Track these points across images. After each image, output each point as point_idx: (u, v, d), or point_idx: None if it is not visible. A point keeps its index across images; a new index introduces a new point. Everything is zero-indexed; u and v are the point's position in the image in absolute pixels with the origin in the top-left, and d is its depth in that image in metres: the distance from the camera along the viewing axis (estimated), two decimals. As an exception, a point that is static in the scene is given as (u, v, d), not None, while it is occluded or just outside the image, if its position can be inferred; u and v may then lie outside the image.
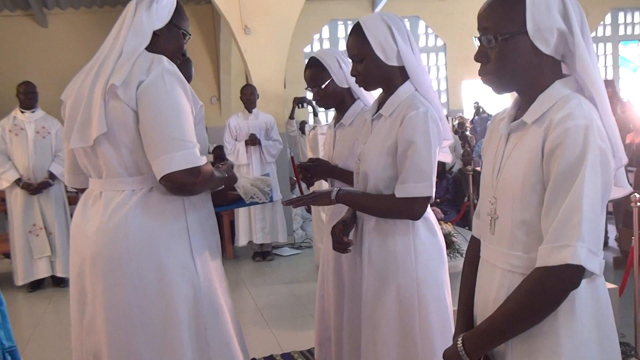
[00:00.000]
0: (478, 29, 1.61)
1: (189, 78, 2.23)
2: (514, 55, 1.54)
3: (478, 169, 9.39)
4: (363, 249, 2.34)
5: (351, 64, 2.37)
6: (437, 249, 2.31)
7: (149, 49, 2.14)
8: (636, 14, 15.06)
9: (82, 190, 2.29)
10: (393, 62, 2.24)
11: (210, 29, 11.33)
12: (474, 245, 1.79)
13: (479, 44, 1.62)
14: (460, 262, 5.85)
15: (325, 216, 3.11)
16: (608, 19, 14.90)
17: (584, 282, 1.43)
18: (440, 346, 2.21)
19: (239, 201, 2.44)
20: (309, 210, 7.64)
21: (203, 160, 2.06)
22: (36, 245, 6.20)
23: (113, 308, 2.08)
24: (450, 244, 4.54)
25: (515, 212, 1.53)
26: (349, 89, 2.92)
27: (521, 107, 1.63)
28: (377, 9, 12.22)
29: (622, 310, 3.78)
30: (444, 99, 14.07)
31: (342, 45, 12.48)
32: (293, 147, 9.46)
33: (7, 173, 6.08)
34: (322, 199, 2.36)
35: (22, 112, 6.24)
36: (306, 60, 2.98)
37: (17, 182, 6.11)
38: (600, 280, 1.52)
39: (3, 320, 3.60)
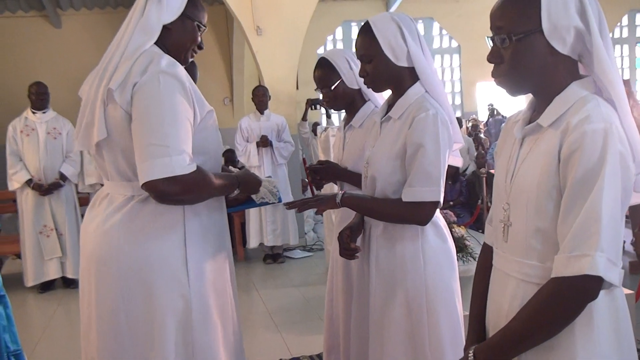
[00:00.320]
0: (491, 28, 1.55)
1: (193, 80, 2.15)
2: (529, 56, 1.48)
3: (492, 171, 9.30)
4: (371, 255, 2.27)
5: (360, 65, 2.31)
6: (447, 255, 2.24)
7: (161, 44, 2.07)
8: (654, 15, 14.90)
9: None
10: (403, 63, 2.18)
11: (224, 30, 11.31)
12: (486, 252, 1.72)
13: (492, 44, 1.56)
14: (473, 266, 5.76)
15: (336, 218, 3.06)
16: (625, 20, 14.74)
17: (601, 292, 1.37)
18: (451, 355, 2.15)
19: (249, 202, 2.37)
20: (318, 213, 7.59)
21: (188, 169, 1.88)
22: (47, 246, 6.18)
23: (102, 312, 2.02)
24: (463, 248, 4.46)
25: (530, 219, 1.46)
26: (359, 90, 2.86)
27: (536, 110, 1.56)
28: (391, 10, 12.16)
29: (638, 315, 3.69)
30: (458, 100, 13.97)
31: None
32: (305, 148, 9.41)
33: (18, 174, 6.07)
34: (327, 202, 2.29)
35: (33, 112, 6.22)
36: (319, 62, 2.93)
37: (28, 182, 6.09)
38: (619, 290, 1.45)
39: (9, 323, 3.57)
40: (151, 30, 2.03)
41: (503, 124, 10.69)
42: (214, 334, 2.05)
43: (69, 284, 6.37)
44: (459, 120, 10.93)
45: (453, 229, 4.00)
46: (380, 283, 2.22)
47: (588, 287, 1.33)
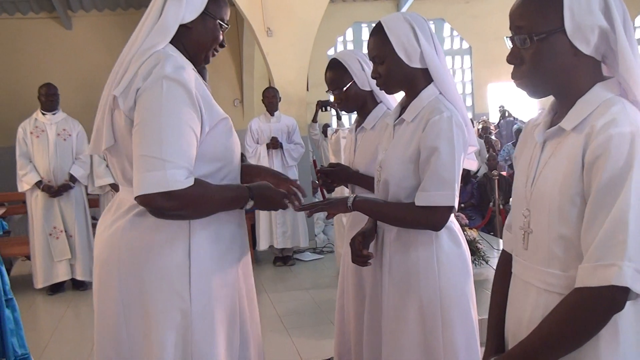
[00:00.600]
0: (510, 28, 1.49)
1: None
2: (550, 56, 1.42)
3: (503, 173, 9.26)
4: (384, 261, 2.22)
5: (372, 66, 2.26)
6: (461, 260, 2.19)
7: (179, 43, 1.98)
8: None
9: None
10: (416, 64, 2.12)
11: (234, 32, 11.27)
12: (505, 260, 1.67)
13: (510, 44, 1.50)
14: (485, 270, 5.73)
15: (347, 221, 3.02)
16: (638, 21, 14.62)
17: (627, 303, 1.31)
18: (466, 363, 2.10)
19: None
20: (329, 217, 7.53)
21: (184, 184, 1.74)
22: (56, 248, 6.16)
23: (103, 317, 1.96)
24: (475, 251, 4.41)
25: (552, 226, 1.40)
26: (371, 92, 2.82)
27: (558, 113, 1.50)
28: (402, 11, 12.10)
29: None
30: (469, 102, 13.88)
31: (366, 48, 12.36)
32: (316, 150, 9.37)
33: (28, 175, 6.06)
34: (338, 206, 2.21)
35: (43, 114, 6.21)
36: (330, 63, 2.87)
37: (38, 184, 6.07)
38: None
39: (16, 327, 3.56)
40: (166, 30, 1.93)
41: (515, 126, 10.69)
42: (217, 351, 1.92)
43: (79, 286, 6.36)
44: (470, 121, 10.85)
45: (465, 232, 3.95)
46: (394, 290, 2.17)
47: (614, 298, 1.27)
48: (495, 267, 5.18)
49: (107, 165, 6.25)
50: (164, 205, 1.76)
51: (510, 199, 5.09)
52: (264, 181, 2.08)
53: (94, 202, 6.83)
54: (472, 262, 3.67)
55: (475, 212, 8.50)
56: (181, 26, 1.96)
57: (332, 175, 2.81)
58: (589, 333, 1.32)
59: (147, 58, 1.87)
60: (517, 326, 1.51)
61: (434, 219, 2.07)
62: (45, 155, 6.12)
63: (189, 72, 1.87)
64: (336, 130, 5.93)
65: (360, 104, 2.83)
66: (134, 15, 10.88)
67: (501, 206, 7.95)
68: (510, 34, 1.49)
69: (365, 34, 12.98)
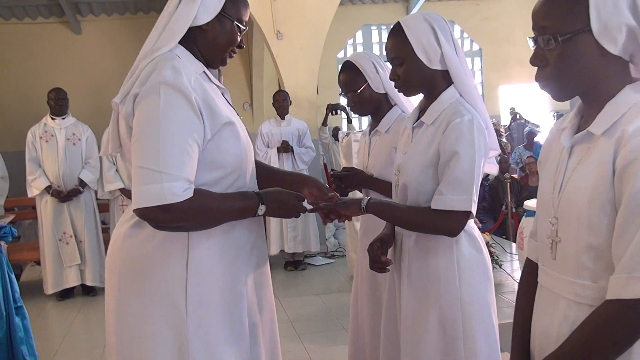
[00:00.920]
0: (533, 28, 1.43)
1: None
2: (576, 57, 1.36)
3: (515, 176, 9.18)
4: (402, 267, 2.15)
5: (389, 68, 2.20)
6: (482, 266, 2.12)
7: (193, 45, 1.92)
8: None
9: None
10: (436, 66, 2.06)
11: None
12: (530, 269, 1.60)
13: (534, 45, 1.44)
14: (498, 274, 5.66)
15: (359, 226, 2.97)
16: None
17: None
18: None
19: None
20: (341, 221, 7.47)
21: (182, 196, 1.68)
22: (66, 253, 6.13)
23: (107, 324, 1.93)
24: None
25: (581, 235, 1.34)
26: (385, 95, 2.76)
27: (585, 116, 1.44)
28: (412, 13, 12.01)
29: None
30: (479, 104, 13.80)
31: (376, 51, 12.32)
32: (326, 154, 9.33)
33: (37, 180, 6.04)
34: (352, 207, 2.14)
35: (52, 118, 6.20)
36: (339, 66, 2.83)
37: (47, 189, 6.05)
38: None
39: (26, 336, 3.52)
40: (173, 32, 1.88)
41: (526, 128, 10.59)
42: None
43: (88, 291, 6.32)
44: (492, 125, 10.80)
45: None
46: (413, 298, 2.10)
47: None
48: (508, 271, 5.14)
49: (116, 170, 6.23)
50: (162, 219, 1.72)
51: (525, 202, 5.03)
52: (277, 187, 2.01)
53: (104, 207, 6.80)
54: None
55: (487, 215, 8.44)
56: (196, 28, 1.91)
57: (346, 179, 2.76)
58: (620, 347, 1.26)
59: (149, 62, 1.82)
60: (545, 339, 1.45)
61: (449, 224, 2.00)
62: (54, 160, 6.10)
63: (190, 76, 1.80)
64: (347, 134, 5.88)
65: (375, 106, 2.78)
66: (143, 19, 10.88)
67: (513, 209, 7.88)
68: (533, 34, 1.44)
69: (375, 37, 12.95)
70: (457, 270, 2.05)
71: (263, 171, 2.17)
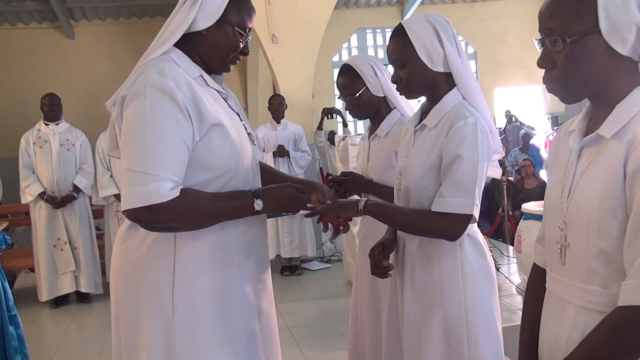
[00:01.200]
0: (540, 30, 1.40)
1: None
2: (585, 59, 1.33)
3: (511, 179, 9.16)
4: (405, 272, 2.11)
5: (388, 71, 2.16)
6: (486, 272, 2.08)
7: (193, 51, 1.92)
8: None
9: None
10: (439, 68, 2.02)
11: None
12: (537, 274, 1.57)
13: (540, 47, 1.41)
14: (496, 277, 5.62)
15: (357, 230, 2.94)
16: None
17: None
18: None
19: None
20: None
21: (167, 196, 1.69)
22: (61, 259, 6.07)
23: (111, 321, 1.96)
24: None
25: (591, 240, 1.31)
26: (384, 98, 2.73)
27: (594, 118, 1.41)
28: (407, 17, 12.02)
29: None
30: (474, 107, 13.80)
31: (371, 54, 12.30)
32: (322, 158, 9.29)
33: (31, 187, 5.98)
34: (349, 209, 2.08)
35: (46, 124, 6.14)
36: (334, 70, 2.79)
37: (41, 195, 5.99)
38: None
39: (20, 345, 3.47)
40: (166, 37, 1.88)
41: (521, 131, 10.57)
42: None
43: (83, 298, 6.25)
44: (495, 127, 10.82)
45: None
46: (416, 303, 2.06)
47: None
48: (505, 275, 5.11)
49: (111, 176, 6.18)
50: (149, 219, 1.73)
51: (523, 206, 5.02)
52: (270, 186, 1.99)
53: (98, 213, 6.75)
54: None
55: (483, 218, 8.41)
56: (196, 33, 1.90)
57: (345, 184, 2.72)
58: (633, 354, 1.23)
59: (141, 65, 1.84)
60: (554, 346, 1.41)
61: (450, 227, 1.95)
62: (48, 166, 6.04)
63: (178, 79, 1.79)
64: (344, 138, 5.84)
65: (374, 110, 2.74)
66: (136, 24, 10.85)
67: (510, 212, 7.86)
68: (528, 36, 1.41)
69: (370, 40, 12.94)
70: (460, 275, 2.01)
71: (271, 177, 2.16)
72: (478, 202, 1.95)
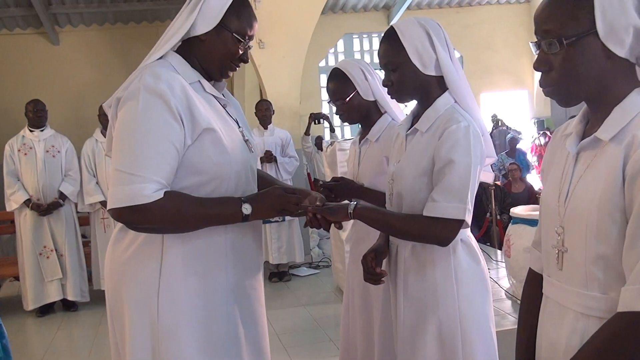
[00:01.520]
0: (536, 32, 1.38)
1: None
2: (582, 61, 1.31)
3: (498, 183, 9.18)
4: (398, 279, 2.09)
5: (378, 75, 2.14)
6: (480, 277, 2.06)
7: (192, 56, 1.94)
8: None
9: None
10: (430, 72, 2.01)
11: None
12: (533, 280, 1.55)
13: (536, 50, 1.39)
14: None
15: (345, 235, 2.91)
16: None
17: None
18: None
19: None
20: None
21: (150, 198, 1.72)
22: (47, 267, 5.99)
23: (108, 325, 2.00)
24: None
25: (590, 245, 1.29)
26: (375, 102, 2.71)
27: (591, 121, 1.39)
28: (393, 22, 12.01)
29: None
30: (460, 112, 13.83)
31: (360, 58, 12.29)
32: (309, 163, 9.26)
33: (16, 194, 5.91)
34: (338, 213, 2.04)
35: (31, 130, 6.08)
36: (321, 75, 2.77)
37: (27, 203, 5.92)
38: None
39: (5, 355, 3.40)
40: (167, 41, 1.91)
41: (508, 135, 10.59)
42: None
43: (69, 306, 6.18)
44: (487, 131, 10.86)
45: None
46: (410, 310, 2.04)
47: None
48: (494, 279, 5.09)
49: (97, 183, 6.12)
50: (132, 220, 1.77)
51: (512, 210, 5.01)
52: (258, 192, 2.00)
53: (85, 220, 6.68)
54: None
55: (471, 223, 8.40)
56: (194, 38, 1.93)
57: (336, 189, 2.69)
58: None
59: (139, 68, 1.86)
60: (552, 352, 1.40)
61: (441, 232, 1.92)
62: (33, 173, 5.98)
63: (173, 83, 1.81)
64: (332, 143, 5.82)
65: (364, 114, 2.72)
66: (122, 30, 10.78)
67: (498, 216, 7.87)
68: (534, 39, 1.39)
69: (357, 45, 12.93)
70: (454, 281, 1.99)
71: (269, 185, 2.14)
72: (470, 207, 1.93)
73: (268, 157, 6.64)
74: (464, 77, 2.06)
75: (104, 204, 6.05)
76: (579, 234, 1.31)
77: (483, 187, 8.34)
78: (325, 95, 2.80)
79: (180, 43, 1.96)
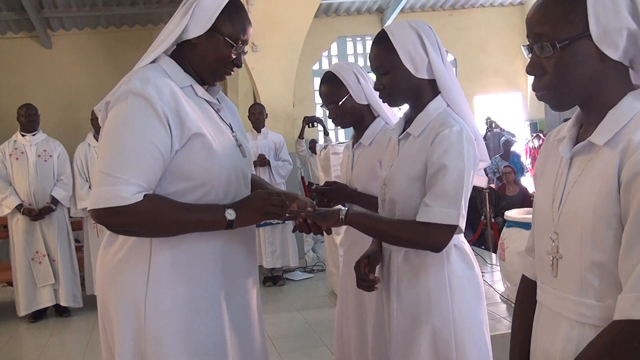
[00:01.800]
0: (528, 36, 1.36)
1: None
2: (576, 64, 1.29)
3: (492, 186, 9.16)
4: (391, 285, 2.06)
5: (371, 79, 2.12)
6: (474, 283, 2.03)
7: (185, 60, 1.92)
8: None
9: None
10: (423, 75, 1.98)
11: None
12: (527, 286, 1.53)
13: (528, 54, 1.37)
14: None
15: (340, 239, 2.89)
16: None
17: None
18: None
19: None
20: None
21: (129, 200, 1.70)
22: (39, 273, 5.95)
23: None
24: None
25: (585, 251, 1.27)
26: (368, 106, 2.69)
27: (584, 125, 1.37)
28: (386, 25, 11.99)
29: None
30: (454, 115, 13.83)
31: (353, 61, 12.29)
32: (303, 167, 9.24)
33: (8, 199, 5.86)
34: (330, 219, 2.02)
35: (22, 135, 6.04)
36: (315, 79, 2.75)
37: (18, 208, 5.88)
38: None
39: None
40: (159, 44, 1.90)
41: (502, 138, 10.57)
42: None
43: (62, 312, 6.14)
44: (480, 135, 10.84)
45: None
46: (403, 316, 2.01)
47: None
48: (489, 283, 5.05)
49: (89, 187, 6.07)
50: (109, 221, 1.77)
51: (506, 213, 5.00)
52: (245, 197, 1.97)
53: (77, 225, 6.64)
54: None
55: (465, 226, 8.38)
56: (187, 42, 1.91)
57: (329, 194, 2.67)
58: None
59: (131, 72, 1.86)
60: (547, 360, 1.37)
61: (433, 238, 1.90)
62: (25, 178, 5.94)
63: (162, 87, 1.80)
64: (325, 146, 5.80)
65: (357, 118, 2.70)
66: (115, 33, 10.75)
67: (492, 219, 7.85)
68: (526, 42, 1.37)
69: (350, 48, 12.93)
70: (448, 287, 1.96)
71: (261, 189, 2.11)
72: (464, 212, 1.90)
73: (261, 161, 6.63)
74: (456, 81, 2.04)
75: (96, 208, 5.99)
76: (574, 240, 1.29)
77: (477, 190, 8.33)
78: (319, 99, 2.78)
79: (174, 47, 1.94)
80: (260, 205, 1.89)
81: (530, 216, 1.54)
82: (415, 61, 1.97)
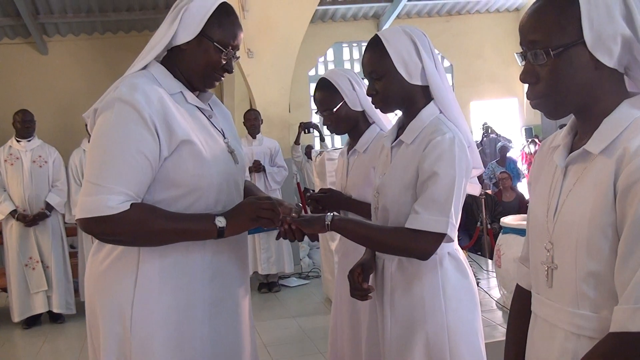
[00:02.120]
0: (521, 43, 1.34)
1: None
2: (570, 72, 1.27)
3: (489, 192, 9.15)
4: (385, 294, 2.04)
5: (367, 85, 2.10)
6: (468, 292, 2.01)
7: (174, 66, 1.91)
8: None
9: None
10: (416, 81, 1.96)
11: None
12: (521, 296, 1.51)
13: (522, 61, 1.35)
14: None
15: (335, 245, 2.87)
16: None
17: None
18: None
19: None
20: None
21: (114, 210, 1.69)
22: (32, 279, 5.92)
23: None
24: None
25: (581, 261, 1.24)
26: (363, 113, 2.67)
27: (579, 133, 1.35)
28: (390, 27, 11.96)
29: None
30: (451, 120, 13.83)
31: (347, 68, 12.29)
32: (299, 172, 9.22)
33: (2, 205, 5.84)
34: (315, 224, 1.97)
35: (18, 141, 6.02)
36: (311, 84, 2.74)
37: (12, 213, 5.85)
38: None
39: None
40: (148, 50, 1.88)
41: (499, 144, 10.55)
42: None
43: (56, 318, 6.11)
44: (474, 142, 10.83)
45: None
46: (397, 325, 1.99)
47: None
48: (485, 289, 5.02)
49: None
50: (96, 230, 1.75)
51: (502, 219, 4.99)
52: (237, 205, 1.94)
53: (72, 231, 6.61)
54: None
55: (462, 232, 8.38)
56: (177, 48, 1.89)
57: (324, 201, 2.65)
58: None
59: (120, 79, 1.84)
60: (542, 373, 1.35)
61: (421, 245, 1.86)
62: (19, 183, 5.91)
63: (150, 94, 1.78)
64: (321, 152, 5.78)
65: (352, 125, 2.68)
66: (111, 39, 10.73)
67: (488, 226, 7.84)
68: (520, 49, 1.35)
69: (346, 54, 12.93)
70: (442, 296, 1.94)
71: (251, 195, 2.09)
72: (454, 220, 1.87)
73: (256, 167, 6.60)
74: (449, 87, 2.02)
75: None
76: (569, 250, 1.27)
77: (473, 196, 8.30)
78: (314, 105, 2.76)
79: (165, 53, 1.93)
80: (250, 210, 1.86)
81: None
82: (408, 67, 1.95)
